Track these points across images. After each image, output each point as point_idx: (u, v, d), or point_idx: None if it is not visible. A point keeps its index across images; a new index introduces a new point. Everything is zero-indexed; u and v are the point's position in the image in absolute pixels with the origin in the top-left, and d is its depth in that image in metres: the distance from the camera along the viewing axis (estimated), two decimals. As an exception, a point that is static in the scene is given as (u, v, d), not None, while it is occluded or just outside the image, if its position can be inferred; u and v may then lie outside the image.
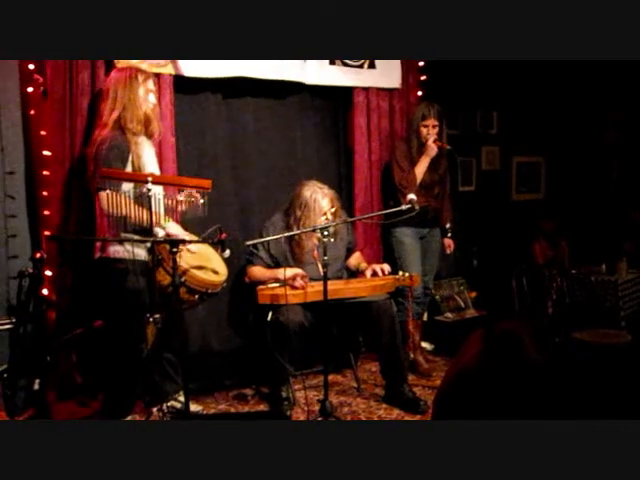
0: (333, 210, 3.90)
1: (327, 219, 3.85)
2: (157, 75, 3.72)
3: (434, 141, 4.37)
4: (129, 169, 3.25)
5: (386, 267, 3.99)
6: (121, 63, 3.59)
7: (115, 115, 3.30)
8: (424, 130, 4.40)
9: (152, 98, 3.42)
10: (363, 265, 4.11)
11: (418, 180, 4.42)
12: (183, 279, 3.15)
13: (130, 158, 3.26)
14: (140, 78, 3.37)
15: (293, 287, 3.77)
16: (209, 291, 3.37)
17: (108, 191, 3.05)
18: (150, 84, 3.43)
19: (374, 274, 3.95)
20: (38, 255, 3.45)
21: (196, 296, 3.34)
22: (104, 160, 3.17)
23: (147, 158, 3.37)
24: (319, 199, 3.87)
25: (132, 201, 3.08)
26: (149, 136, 3.43)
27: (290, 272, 3.76)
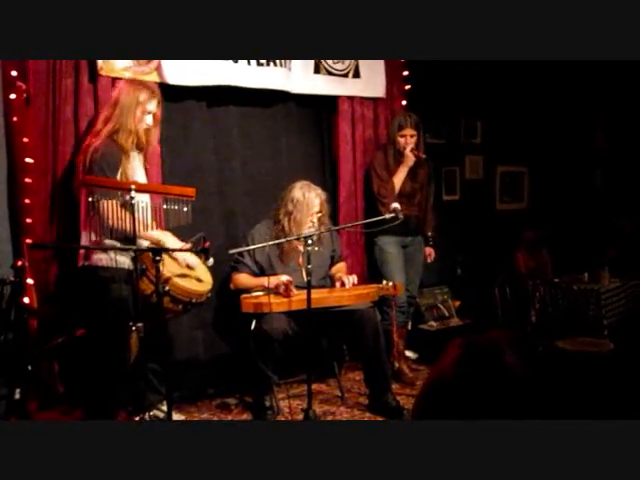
0: (320, 215, 3.90)
1: (312, 222, 3.85)
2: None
3: (411, 150, 4.39)
4: (118, 179, 3.23)
5: (352, 278, 3.96)
6: (104, 70, 3.58)
7: (110, 127, 3.30)
8: (401, 140, 4.42)
9: (149, 119, 3.40)
10: (338, 275, 4.10)
11: (397, 189, 4.43)
12: (167, 288, 3.13)
13: (120, 168, 3.25)
14: (143, 97, 3.35)
15: (278, 294, 3.76)
16: (193, 300, 3.35)
17: (111, 201, 3.04)
18: (151, 105, 3.39)
19: (342, 285, 3.94)
20: (19, 263, 3.41)
21: (180, 306, 3.32)
22: (97, 168, 3.17)
23: (136, 171, 3.36)
24: (312, 197, 3.88)
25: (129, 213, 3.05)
26: (140, 150, 3.43)
27: (274, 280, 3.75)
